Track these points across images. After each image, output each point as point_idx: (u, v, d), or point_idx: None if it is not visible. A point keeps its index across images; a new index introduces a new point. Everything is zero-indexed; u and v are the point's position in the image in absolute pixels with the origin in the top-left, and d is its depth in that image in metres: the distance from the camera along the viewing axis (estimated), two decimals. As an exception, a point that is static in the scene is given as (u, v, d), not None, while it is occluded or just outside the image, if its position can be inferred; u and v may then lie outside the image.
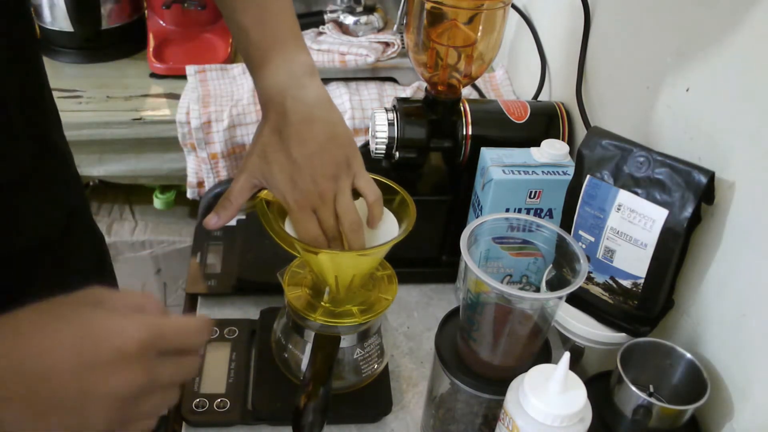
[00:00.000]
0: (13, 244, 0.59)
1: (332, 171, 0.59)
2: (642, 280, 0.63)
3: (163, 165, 1.09)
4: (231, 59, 1.18)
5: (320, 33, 1.07)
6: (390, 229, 0.66)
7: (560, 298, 0.58)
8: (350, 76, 1.06)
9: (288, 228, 0.64)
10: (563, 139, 0.85)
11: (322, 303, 0.68)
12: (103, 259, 0.77)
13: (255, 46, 0.60)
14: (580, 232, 0.66)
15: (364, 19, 1.05)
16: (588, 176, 0.65)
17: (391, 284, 0.71)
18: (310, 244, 0.61)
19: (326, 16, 1.06)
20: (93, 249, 0.74)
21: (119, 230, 1.25)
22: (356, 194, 0.64)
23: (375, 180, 0.67)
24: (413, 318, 0.86)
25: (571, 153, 0.79)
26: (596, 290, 0.66)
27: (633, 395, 0.59)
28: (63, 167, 0.67)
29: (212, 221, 0.63)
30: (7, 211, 0.57)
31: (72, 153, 0.69)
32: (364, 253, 0.64)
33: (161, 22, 1.22)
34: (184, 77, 1.09)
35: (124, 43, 1.22)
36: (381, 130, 0.84)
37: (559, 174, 0.76)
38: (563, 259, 0.61)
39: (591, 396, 0.53)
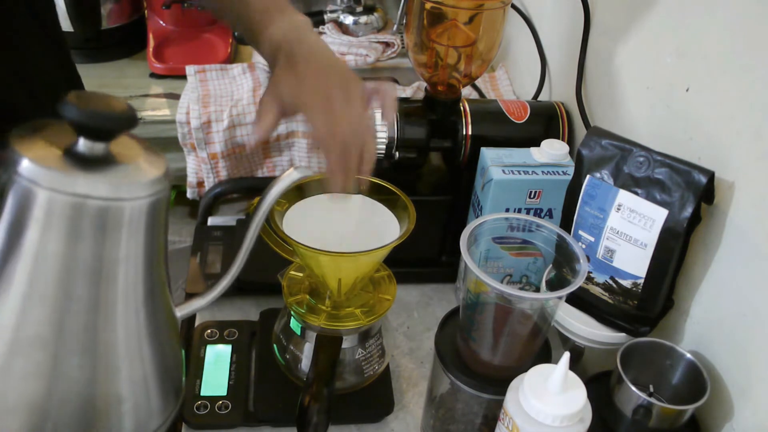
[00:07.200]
0: None
1: (337, 81, 0.62)
2: (642, 280, 0.63)
3: (162, 165, 1.09)
4: (231, 59, 1.18)
5: (320, 33, 1.07)
6: (391, 230, 0.66)
7: (560, 298, 0.58)
8: (350, 76, 1.06)
9: (286, 228, 0.64)
10: (563, 139, 0.85)
11: (324, 307, 0.68)
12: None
13: (257, 10, 0.64)
14: (580, 232, 0.66)
15: (363, 19, 1.05)
16: (588, 176, 0.65)
17: (390, 284, 0.71)
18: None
19: (326, 16, 1.06)
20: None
21: (119, 230, 1.25)
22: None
23: (373, 182, 0.67)
24: (413, 318, 0.86)
25: (571, 153, 0.79)
26: (596, 290, 0.66)
27: (633, 395, 0.59)
28: None
29: (253, 138, 0.66)
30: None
31: None
32: (366, 253, 0.63)
33: (161, 22, 1.22)
34: (184, 77, 1.08)
35: (124, 43, 1.22)
36: (381, 130, 0.84)
37: (558, 174, 0.76)
38: (563, 259, 0.61)
39: (591, 396, 0.53)
